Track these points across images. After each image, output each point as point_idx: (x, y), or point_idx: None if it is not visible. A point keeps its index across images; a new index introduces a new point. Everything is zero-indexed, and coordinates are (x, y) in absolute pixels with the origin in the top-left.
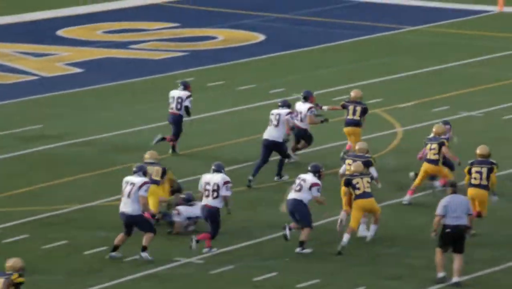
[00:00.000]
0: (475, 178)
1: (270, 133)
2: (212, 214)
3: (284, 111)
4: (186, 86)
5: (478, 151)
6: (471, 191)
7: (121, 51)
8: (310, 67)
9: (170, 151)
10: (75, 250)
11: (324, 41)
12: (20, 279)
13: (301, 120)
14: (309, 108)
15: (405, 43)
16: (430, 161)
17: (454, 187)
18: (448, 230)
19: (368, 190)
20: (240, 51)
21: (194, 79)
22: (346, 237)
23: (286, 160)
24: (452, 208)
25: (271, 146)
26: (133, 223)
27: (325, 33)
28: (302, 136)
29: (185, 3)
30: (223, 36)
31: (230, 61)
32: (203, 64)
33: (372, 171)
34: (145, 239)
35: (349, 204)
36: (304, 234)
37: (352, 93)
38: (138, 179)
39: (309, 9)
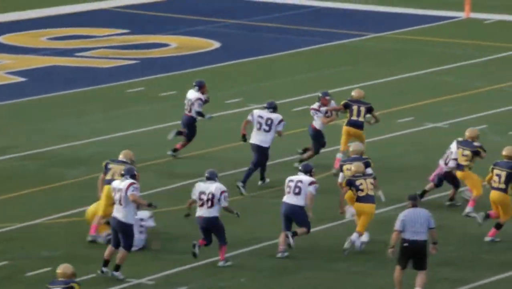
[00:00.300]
0: (494, 181)
1: (258, 137)
2: (211, 223)
3: (276, 117)
4: (200, 87)
5: (504, 152)
6: (491, 194)
7: (67, 59)
8: (269, 76)
9: (170, 152)
10: (17, 272)
11: (283, 48)
12: None
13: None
14: (311, 109)
15: (369, 50)
16: (460, 167)
17: (414, 200)
18: (405, 244)
19: (372, 192)
20: (194, 59)
21: (144, 89)
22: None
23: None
24: (410, 222)
25: (257, 149)
26: (120, 230)
27: (284, 40)
28: (314, 137)
29: (135, 8)
30: (176, 43)
31: (184, 69)
32: (154, 73)
33: (369, 171)
34: (120, 258)
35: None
36: (301, 232)
37: (355, 93)
38: (123, 184)
39: (267, 15)
